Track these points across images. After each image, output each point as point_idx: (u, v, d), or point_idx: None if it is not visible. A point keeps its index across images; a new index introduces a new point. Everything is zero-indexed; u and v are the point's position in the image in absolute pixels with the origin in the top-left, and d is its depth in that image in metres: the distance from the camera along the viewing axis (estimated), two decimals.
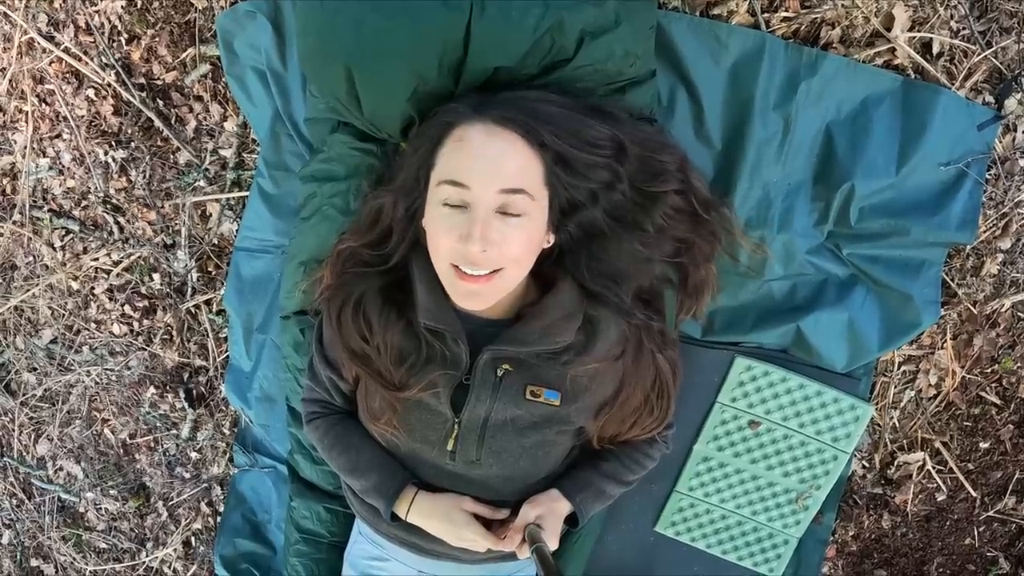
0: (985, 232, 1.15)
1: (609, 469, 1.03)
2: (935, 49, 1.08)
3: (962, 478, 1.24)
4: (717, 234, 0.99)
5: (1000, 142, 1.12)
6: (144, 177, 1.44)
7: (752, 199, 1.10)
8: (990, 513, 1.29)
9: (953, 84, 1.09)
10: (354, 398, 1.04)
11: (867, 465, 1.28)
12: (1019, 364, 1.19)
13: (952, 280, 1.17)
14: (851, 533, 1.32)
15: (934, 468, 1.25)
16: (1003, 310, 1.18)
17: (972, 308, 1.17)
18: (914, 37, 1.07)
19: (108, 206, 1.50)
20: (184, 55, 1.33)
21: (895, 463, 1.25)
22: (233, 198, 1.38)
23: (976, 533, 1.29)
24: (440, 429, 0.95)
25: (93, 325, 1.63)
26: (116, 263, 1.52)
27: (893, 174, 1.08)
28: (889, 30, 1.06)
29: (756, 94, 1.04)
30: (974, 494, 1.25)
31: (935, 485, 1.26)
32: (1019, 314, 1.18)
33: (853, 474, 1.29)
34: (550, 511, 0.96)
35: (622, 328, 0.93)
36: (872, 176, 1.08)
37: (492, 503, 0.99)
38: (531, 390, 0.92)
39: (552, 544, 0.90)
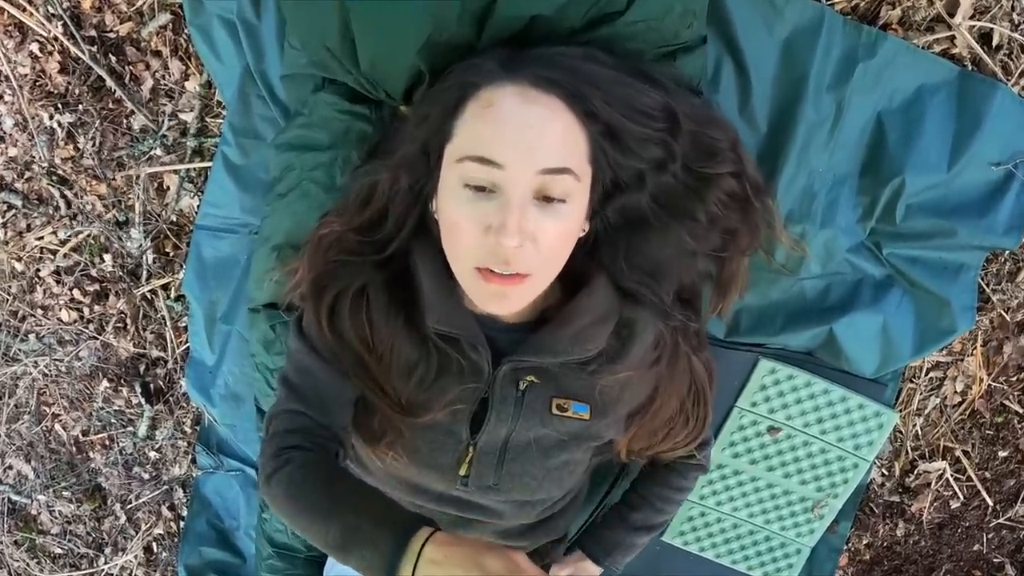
0: None
1: (640, 520, 0.90)
2: (994, 41, 0.91)
3: (980, 487, 1.12)
4: (760, 225, 0.79)
5: None
6: (93, 145, 1.15)
7: (796, 189, 0.92)
8: (1000, 520, 1.18)
9: (1009, 80, 0.93)
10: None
11: (886, 473, 1.15)
12: None
13: (987, 285, 1.03)
14: (865, 542, 1.19)
15: (952, 477, 1.13)
16: None
17: (1005, 315, 1.03)
18: (974, 26, 0.90)
19: (53, 178, 1.21)
20: (140, 3, 1.05)
21: (915, 471, 1.12)
22: (194, 169, 1.12)
23: (985, 539, 1.18)
24: (452, 452, 0.74)
25: (40, 311, 1.34)
26: (63, 242, 1.24)
27: (945, 171, 0.92)
28: (952, 16, 0.88)
29: (811, 72, 0.86)
30: (990, 502, 1.13)
31: (951, 493, 1.14)
32: None
33: (872, 482, 1.15)
34: (579, 569, 0.90)
35: (659, 331, 0.75)
36: (924, 171, 0.91)
37: (500, 533, 0.81)
38: (557, 404, 0.73)
39: None
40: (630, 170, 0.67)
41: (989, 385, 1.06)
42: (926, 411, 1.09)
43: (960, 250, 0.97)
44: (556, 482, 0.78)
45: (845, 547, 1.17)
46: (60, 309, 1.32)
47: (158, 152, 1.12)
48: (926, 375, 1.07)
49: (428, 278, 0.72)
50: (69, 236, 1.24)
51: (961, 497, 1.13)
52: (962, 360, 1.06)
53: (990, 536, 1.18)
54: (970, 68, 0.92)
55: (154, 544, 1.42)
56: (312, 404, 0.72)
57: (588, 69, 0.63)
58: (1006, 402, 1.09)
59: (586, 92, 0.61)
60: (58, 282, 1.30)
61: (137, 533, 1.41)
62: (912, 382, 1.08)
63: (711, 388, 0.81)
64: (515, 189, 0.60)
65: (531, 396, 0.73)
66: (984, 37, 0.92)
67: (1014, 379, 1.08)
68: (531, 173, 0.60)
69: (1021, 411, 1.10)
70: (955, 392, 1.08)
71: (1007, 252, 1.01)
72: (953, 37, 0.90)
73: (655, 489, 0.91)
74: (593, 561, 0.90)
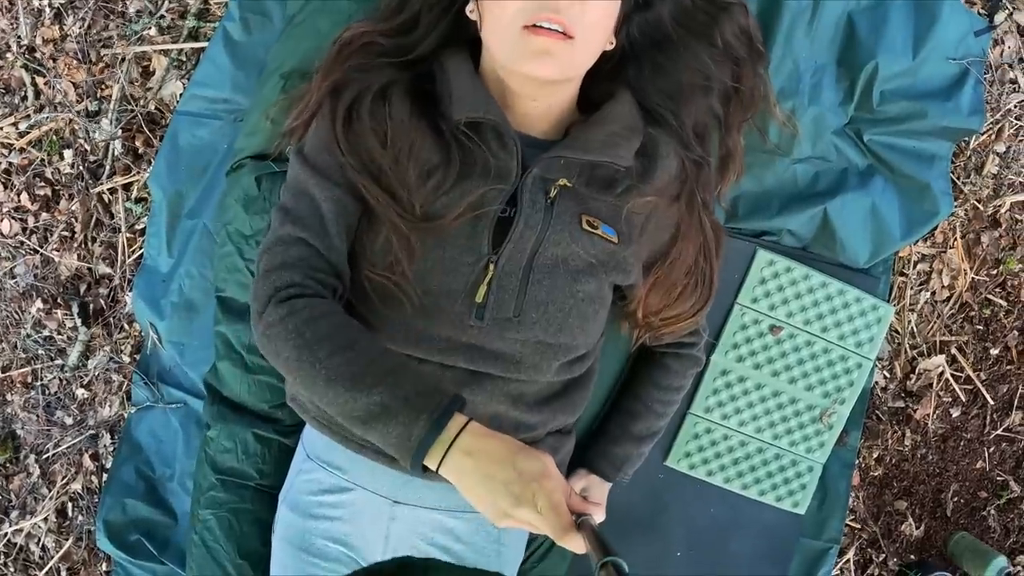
0: (983, 136, 1.08)
1: (643, 429, 0.89)
2: None
3: (979, 384, 1.09)
4: (760, 77, 0.86)
5: (992, 52, 1.08)
6: (82, 26, 1.08)
7: (784, 69, 0.97)
8: (999, 432, 1.14)
9: None
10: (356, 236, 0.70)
11: (888, 375, 1.10)
12: (1021, 266, 1.09)
13: (958, 178, 1.08)
14: (875, 455, 1.11)
15: (952, 375, 1.09)
16: (1003, 210, 1.09)
17: (978, 205, 1.07)
18: None
19: (30, 60, 1.11)
20: None
21: (916, 371, 1.09)
22: (187, 50, 1.06)
23: (987, 455, 1.13)
24: (467, 273, 0.67)
25: None
26: (22, 134, 1.12)
27: (911, 58, 1.01)
28: None
29: None
30: (990, 399, 1.10)
31: (951, 399, 1.10)
32: (1017, 216, 1.10)
33: (875, 387, 1.11)
34: (591, 482, 0.87)
35: (680, 160, 0.76)
36: (893, 56, 0.99)
37: (514, 399, 0.71)
38: (587, 220, 0.71)
39: (599, 516, 0.73)
40: None
41: (973, 279, 1.08)
42: (918, 307, 1.09)
43: (931, 137, 1.03)
44: (580, 320, 0.71)
45: (857, 461, 1.09)
46: (1, 220, 1.16)
47: (151, 33, 1.07)
48: (914, 268, 1.08)
49: (458, 76, 0.70)
50: (30, 127, 1.12)
51: (962, 399, 1.09)
52: (945, 252, 1.08)
53: (991, 451, 1.13)
54: None
55: (69, 505, 1.15)
56: (309, 226, 0.66)
57: None
58: (990, 296, 1.10)
59: None
60: (6, 184, 1.15)
61: (51, 491, 1.14)
62: (903, 275, 1.08)
63: (718, 252, 0.81)
64: None
65: (561, 207, 0.70)
66: None
67: (993, 272, 1.10)
68: None
69: (1005, 305, 1.11)
70: (943, 286, 1.08)
71: (971, 147, 1.08)
72: None
73: (654, 393, 0.89)
74: (604, 479, 0.88)
